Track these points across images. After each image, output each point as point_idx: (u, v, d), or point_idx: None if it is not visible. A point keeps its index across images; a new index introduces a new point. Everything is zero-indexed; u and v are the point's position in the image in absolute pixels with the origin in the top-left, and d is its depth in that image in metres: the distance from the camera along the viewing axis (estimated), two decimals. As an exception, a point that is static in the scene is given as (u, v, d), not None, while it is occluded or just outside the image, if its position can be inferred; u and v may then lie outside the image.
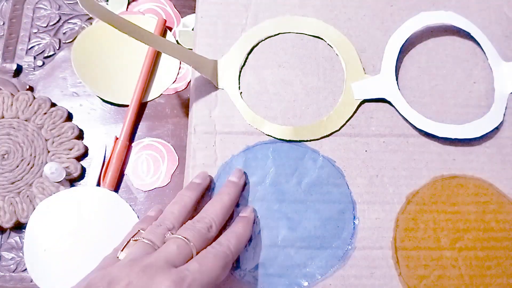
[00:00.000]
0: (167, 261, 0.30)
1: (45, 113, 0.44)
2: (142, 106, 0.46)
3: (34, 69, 0.47)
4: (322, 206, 0.39)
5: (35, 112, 0.44)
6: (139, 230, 0.34)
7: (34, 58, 0.47)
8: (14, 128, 0.43)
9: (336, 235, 0.38)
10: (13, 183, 0.42)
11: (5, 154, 0.43)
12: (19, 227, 0.42)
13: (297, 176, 0.39)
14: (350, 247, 0.38)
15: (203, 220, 0.33)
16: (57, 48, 0.47)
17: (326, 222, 0.38)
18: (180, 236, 0.31)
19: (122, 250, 0.32)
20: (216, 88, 0.42)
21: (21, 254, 0.41)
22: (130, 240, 0.33)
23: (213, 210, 0.35)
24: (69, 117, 0.45)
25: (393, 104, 0.41)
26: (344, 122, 0.41)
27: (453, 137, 0.40)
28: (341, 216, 0.39)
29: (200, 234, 0.32)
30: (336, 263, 0.37)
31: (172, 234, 0.32)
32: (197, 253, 0.31)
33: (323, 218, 0.38)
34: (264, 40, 0.44)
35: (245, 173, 0.39)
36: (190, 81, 0.46)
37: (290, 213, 0.38)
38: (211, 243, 0.33)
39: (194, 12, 0.46)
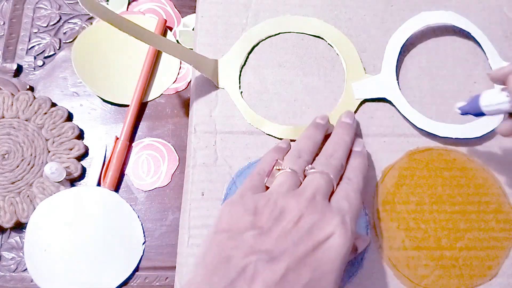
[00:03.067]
0: (323, 195, 0.32)
1: (45, 113, 0.44)
2: (142, 106, 0.46)
3: (34, 69, 0.47)
4: None
5: (35, 112, 0.44)
6: (277, 160, 0.35)
7: (35, 58, 0.47)
8: (14, 128, 0.43)
9: None
10: (14, 183, 0.42)
11: (5, 154, 0.43)
12: (19, 227, 0.41)
13: None
14: (360, 268, 0.37)
15: (334, 157, 0.35)
16: (58, 48, 0.47)
17: None
18: (324, 171, 0.33)
19: (268, 177, 0.34)
20: (216, 87, 0.42)
21: (21, 254, 0.41)
22: (273, 168, 0.34)
23: (340, 149, 0.36)
24: (70, 117, 0.45)
25: (394, 103, 0.41)
26: (345, 122, 0.41)
27: (453, 136, 0.40)
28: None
29: (336, 171, 0.34)
30: (343, 283, 0.37)
31: (310, 166, 0.34)
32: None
33: None
34: (264, 39, 0.44)
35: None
36: (190, 81, 0.46)
37: None
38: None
39: (195, 12, 0.46)
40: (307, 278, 0.27)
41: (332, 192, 0.33)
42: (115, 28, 0.34)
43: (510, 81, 0.33)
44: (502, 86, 0.34)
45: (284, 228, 0.29)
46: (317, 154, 0.36)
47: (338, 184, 0.34)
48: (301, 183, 0.33)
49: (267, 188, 0.34)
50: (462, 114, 0.37)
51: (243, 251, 0.28)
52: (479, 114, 0.35)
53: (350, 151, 0.37)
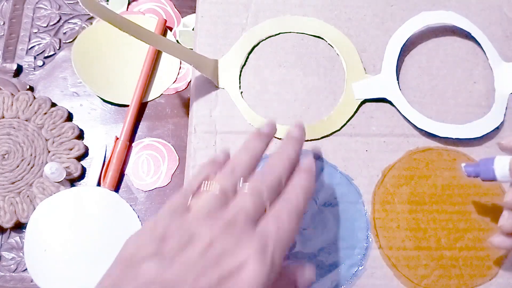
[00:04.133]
0: (247, 217, 0.27)
1: (45, 113, 0.44)
2: (142, 106, 0.46)
3: (34, 69, 0.47)
4: (337, 223, 0.39)
5: (35, 112, 0.44)
6: (208, 175, 0.30)
7: (34, 58, 0.47)
8: (14, 128, 0.43)
9: (347, 255, 0.38)
10: (14, 183, 0.42)
11: (5, 154, 0.43)
12: (19, 227, 0.41)
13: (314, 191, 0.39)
14: (361, 268, 0.37)
15: (273, 173, 0.30)
16: (58, 48, 0.47)
17: (339, 240, 0.38)
18: (255, 189, 0.29)
19: (193, 196, 0.29)
20: (216, 87, 0.42)
21: (21, 254, 0.41)
22: (201, 185, 0.29)
23: (281, 163, 0.31)
24: (70, 117, 0.45)
25: (394, 104, 0.41)
26: (345, 122, 0.41)
27: (453, 136, 0.40)
28: (355, 235, 0.38)
29: (272, 188, 0.29)
30: (344, 283, 0.37)
31: (245, 184, 0.29)
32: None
33: (336, 236, 0.38)
34: (264, 39, 0.44)
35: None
36: (190, 81, 0.46)
37: (303, 227, 0.38)
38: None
39: (195, 12, 0.46)
40: None
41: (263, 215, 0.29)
42: (115, 28, 0.34)
43: None
44: None
45: (190, 257, 0.25)
46: None
47: (272, 204, 0.29)
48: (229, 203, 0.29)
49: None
50: (468, 176, 0.35)
51: (138, 283, 0.24)
52: (488, 179, 0.33)
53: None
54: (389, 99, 0.41)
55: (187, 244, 0.26)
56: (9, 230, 0.41)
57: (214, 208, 0.28)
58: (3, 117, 0.44)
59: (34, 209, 0.41)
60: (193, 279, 0.24)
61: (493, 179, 0.33)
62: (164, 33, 0.48)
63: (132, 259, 0.26)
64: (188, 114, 0.44)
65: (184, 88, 0.47)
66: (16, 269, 0.40)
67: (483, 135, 0.41)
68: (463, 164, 0.35)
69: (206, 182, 0.29)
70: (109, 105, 0.46)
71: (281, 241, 0.27)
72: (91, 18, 0.48)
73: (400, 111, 0.41)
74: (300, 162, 0.33)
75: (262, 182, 0.29)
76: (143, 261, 0.25)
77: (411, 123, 0.41)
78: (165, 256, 0.25)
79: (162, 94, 0.46)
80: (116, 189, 0.43)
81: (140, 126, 0.45)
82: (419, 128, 0.41)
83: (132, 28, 0.35)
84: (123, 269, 0.25)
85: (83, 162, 0.44)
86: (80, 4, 0.32)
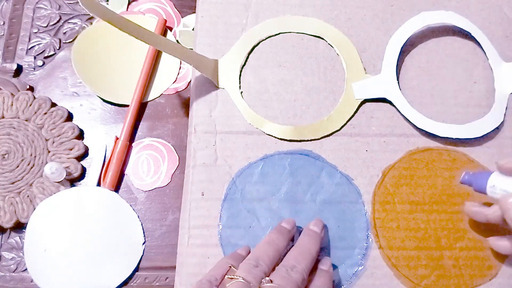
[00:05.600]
0: None
1: (45, 113, 0.44)
2: (142, 106, 0.46)
3: (34, 69, 0.47)
4: (336, 223, 0.39)
5: (35, 112, 0.44)
6: (230, 267, 0.32)
7: (34, 58, 0.47)
8: (14, 128, 0.43)
9: (347, 255, 0.38)
10: (14, 183, 0.42)
11: (5, 154, 0.43)
12: (19, 227, 0.41)
13: (313, 192, 0.39)
14: (361, 268, 0.37)
15: (296, 271, 0.32)
16: (57, 48, 0.47)
17: (339, 240, 0.38)
18: (283, 286, 0.30)
19: (218, 286, 0.30)
20: (216, 87, 0.42)
21: (21, 254, 0.41)
22: (224, 277, 0.31)
23: (303, 261, 0.33)
24: (70, 117, 0.45)
25: (394, 103, 0.41)
26: (345, 122, 0.41)
27: (454, 136, 0.40)
28: (355, 235, 0.38)
29: (296, 286, 0.31)
30: (344, 283, 0.37)
31: (268, 278, 0.30)
32: None
33: (336, 236, 0.38)
34: (264, 39, 0.44)
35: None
36: (190, 81, 0.46)
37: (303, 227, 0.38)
38: None
39: (194, 12, 0.46)
40: None
41: None
42: (115, 28, 0.34)
43: None
44: None
45: None
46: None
47: None
48: None
49: None
50: (462, 183, 0.36)
51: None
52: (479, 190, 0.35)
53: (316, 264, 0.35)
54: (389, 99, 0.41)
55: None
56: (9, 230, 0.42)
57: None
58: (3, 117, 0.44)
59: (34, 209, 0.41)
60: None
61: (484, 192, 0.34)
62: (164, 33, 0.48)
63: None
64: (188, 114, 0.44)
65: (184, 88, 0.47)
66: (16, 269, 0.40)
67: (483, 135, 0.41)
68: (464, 172, 0.36)
69: (229, 273, 0.31)
70: (109, 105, 0.46)
71: None
72: (91, 18, 0.48)
73: (400, 111, 0.41)
74: (321, 263, 0.35)
75: (288, 279, 0.30)
76: None
77: (411, 123, 0.41)
78: None
79: (162, 94, 0.46)
80: (116, 189, 0.43)
81: (140, 126, 0.45)
82: (419, 128, 0.41)
83: (132, 28, 0.35)
84: None
85: (83, 162, 0.44)
86: (80, 4, 0.32)
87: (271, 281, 0.30)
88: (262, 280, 0.30)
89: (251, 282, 0.30)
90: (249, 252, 0.35)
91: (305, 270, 0.32)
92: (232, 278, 0.30)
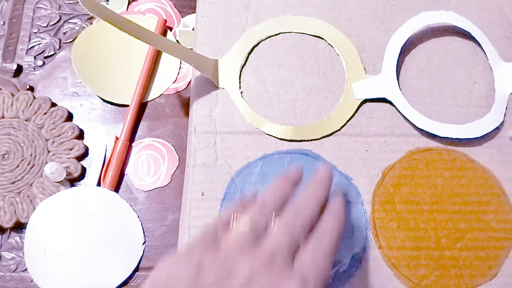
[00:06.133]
0: (283, 254, 0.28)
1: (45, 113, 0.44)
2: (142, 106, 0.46)
3: (34, 69, 0.47)
4: None
5: (35, 112, 0.44)
6: (237, 211, 0.31)
7: (34, 58, 0.47)
8: (14, 128, 0.43)
9: (347, 255, 0.38)
10: (14, 183, 0.42)
11: (5, 154, 0.43)
12: (19, 227, 0.41)
13: None
14: (361, 268, 0.37)
15: (304, 214, 0.31)
16: (58, 48, 0.47)
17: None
18: (289, 227, 0.29)
19: (224, 231, 0.30)
20: (216, 87, 0.42)
21: (21, 254, 0.41)
22: (231, 220, 0.30)
23: (311, 204, 0.32)
24: (70, 117, 0.45)
25: (394, 103, 0.41)
26: (345, 122, 0.41)
27: (453, 136, 0.40)
28: (354, 235, 0.38)
29: (304, 228, 0.30)
30: (344, 283, 0.37)
31: (278, 221, 0.30)
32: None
33: None
34: (264, 39, 0.44)
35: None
36: (190, 81, 0.46)
37: None
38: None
39: (195, 12, 0.46)
40: None
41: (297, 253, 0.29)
42: (116, 28, 0.34)
43: None
44: None
45: None
46: None
47: (305, 243, 0.30)
48: (261, 239, 0.29)
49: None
50: None
51: None
52: None
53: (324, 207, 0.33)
54: (389, 99, 0.41)
55: (226, 278, 0.26)
56: (9, 230, 0.42)
57: (247, 244, 0.28)
58: (3, 117, 0.44)
59: (34, 209, 0.41)
60: None
61: None
62: (164, 33, 0.48)
63: (167, 285, 0.26)
64: (188, 114, 0.44)
65: (184, 88, 0.47)
66: (16, 269, 0.40)
67: (483, 135, 0.41)
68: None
69: (236, 217, 0.30)
70: (109, 105, 0.46)
71: (320, 279, 0.27)
72: (91, 18, 0.48)
73: (400, 111, 0.41)
74: (331, 203, 0.33)
75: (295, 221, 0.30)
76: None
77: (411, 123, 0.41)
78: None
79: (162, 94, 0.46)
80: (116, 189, 0.43)
81: (140, 126, 0.45)
82: (419, 128, 0.41)
83: (132, 28, 0.35)
84: None
85: (83, 162, 0.44)
86: (80, 4, 0.32)
87: (278, 226, 0.29)
88: (269, 224, 0.30)
89: (258, 227, 0.29)
90: (255, 195, 0.34)
91: (312, 213, 0.31)
92: (238, 222, 0.30)
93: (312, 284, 0.27)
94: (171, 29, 0.49)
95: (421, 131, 0.41)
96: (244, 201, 0.33)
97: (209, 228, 0.30)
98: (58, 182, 0.42)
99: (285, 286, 0.26)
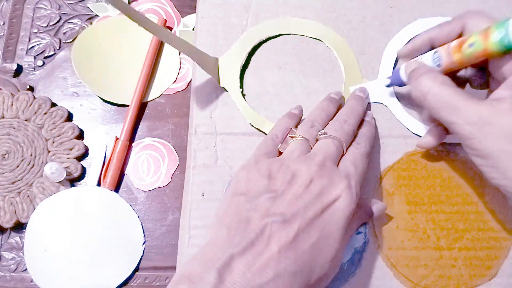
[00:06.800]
0: (332, 160, 0.34)
1: (45, 113, 0.44)
2: (142, 106, 0.46)
3: (34, 69, 0.47)
4: None
5: (35, 112, 0.44)
6: (291, 128, 0.38)
7: (34, 58, 0.47)
8: (14, 128, 0.43)
9: (346, 255, 0.38)
10: (14, 183, 0.42)
11: (5, 154, 0.43)
12: (19, 227, 0.41)
13: None
14: (360, 268, 0.37)
15: (348, 123, 0.37)
16: (57, 48, 0.47)
17: None
18: (336, 136, 0.35)
19: (281, 143, 0.37)
20: (216, 88, 0.42)
21: (21, 254, 0.41)
22: (287, 135, 0.37)
23: (353, 117, 0.38)
24: (70, 117, 0.45)
25: (390, 109, 0.42)
26: (344, 123, 0.41)
27: (450, 142, 0.40)
28: (354, 235, 0.38)
29: (348, 136, 0.37)
30: (343, 283, 0.37)
31: (323, 131, 0.36)
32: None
33: None
34: (265, 40, 0.44)
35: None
36: (190, 81, 0.46)
37: None
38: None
39: (195, 12, 0.47)
40: (315, 237, 0.30)
41: (342, 156, 0.36)
42: (132, 21, 0.33)
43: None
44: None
45: (296, 192, 0.31)
46: None
47: (348, 148, 0.36)
48: (312, 148, 0.36)
49: (280, 153, 0.36)
50: (387, 86, 0.41)
51: (260, 213, 0.30)
52: (400, 84, 0.39)
53: (362, 120, 0.40)
54: (385, 104, 0.42)
55: (291, 181, 0.32)
56: (9, 230, 0.41)
57: (303, 152, 0.35)
58: (3, 117, 0.44)
59: (34, 209, 0.41)
60: (303, 210, 0.30)
61: (402, 83, 0.39)
62: (164, 34, 0.48)
63: (249, 193, 0.32)
64: (188, 114, 0.44)
65: (184, 88, 0.47)
66: (16, 269, 0.40)
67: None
68: (385, 82, 0.41)
69: (290, 132, 0.37)
70: (109, 105, 0.46)
71: (359, 178, 0.34)
72: (91, 18, 0.48)
73: (396, 116, 0.41)
74: (364, 116, 0.40)
75: (340, 131, 0.36)
76: (259, 195, 0.31)
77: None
78: (277, 190, 0.32)
79: (162, 94, 0.46)
80: (116, 189, 0.43)
81: (140, 126, 0.45)
82: (415, 134, 0.41)
83: (141, 19, 0.34)
84: (244, 201, 0.32)
85: (83, 162, 0.44)
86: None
87: (326, 134, 0.36)
88: (319, 132, 0.36)
89: (309, 139, 0.36)
90: (301, 110, 0.41)
91: (354, 124, 0.38)
92: (293, 137, 0.36)
93: (354, 180, 0.33)
94: (171, 29, 0.49)
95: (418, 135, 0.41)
96: (292, 116, 0.39)
97: (267, 141, 0.37)
98: (58, 182, 0.42)
99: (336, 187, 0.32)
